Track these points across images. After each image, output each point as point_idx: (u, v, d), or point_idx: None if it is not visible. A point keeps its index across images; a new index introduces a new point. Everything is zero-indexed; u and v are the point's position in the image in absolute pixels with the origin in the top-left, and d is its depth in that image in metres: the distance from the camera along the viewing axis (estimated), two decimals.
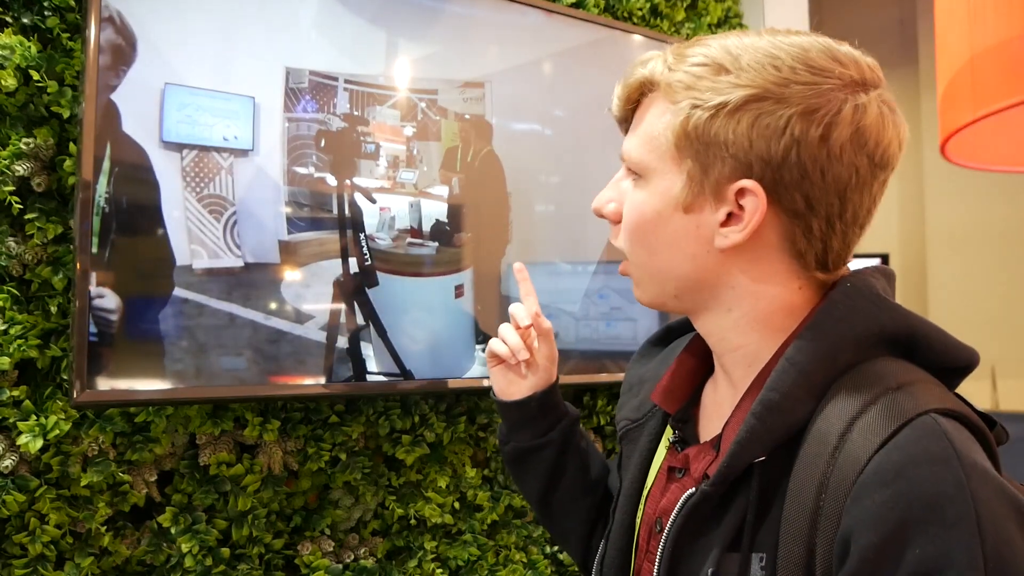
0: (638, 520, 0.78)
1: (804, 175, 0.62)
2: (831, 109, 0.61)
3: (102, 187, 1.03)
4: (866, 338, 0.64)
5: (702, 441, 0.73)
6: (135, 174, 1.06)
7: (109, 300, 1.03)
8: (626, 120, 0.73)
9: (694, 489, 0.67)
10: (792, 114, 0.61)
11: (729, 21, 2.01)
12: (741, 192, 0.63)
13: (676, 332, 0.89)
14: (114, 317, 1.03)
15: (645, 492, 0.78)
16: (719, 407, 0.73)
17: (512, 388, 0.93)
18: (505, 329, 0.93)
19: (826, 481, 0.58)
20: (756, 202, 0.63)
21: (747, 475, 0.63)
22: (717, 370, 0.75)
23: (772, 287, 0.67)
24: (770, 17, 2.04)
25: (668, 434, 0.78)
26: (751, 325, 0.68)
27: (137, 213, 1.06)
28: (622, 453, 0.84)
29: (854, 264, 0.70)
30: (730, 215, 0.65)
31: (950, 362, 0.66)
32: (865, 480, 0.55)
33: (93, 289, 1.01)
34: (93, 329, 1.01)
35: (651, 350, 0.91)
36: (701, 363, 0.79)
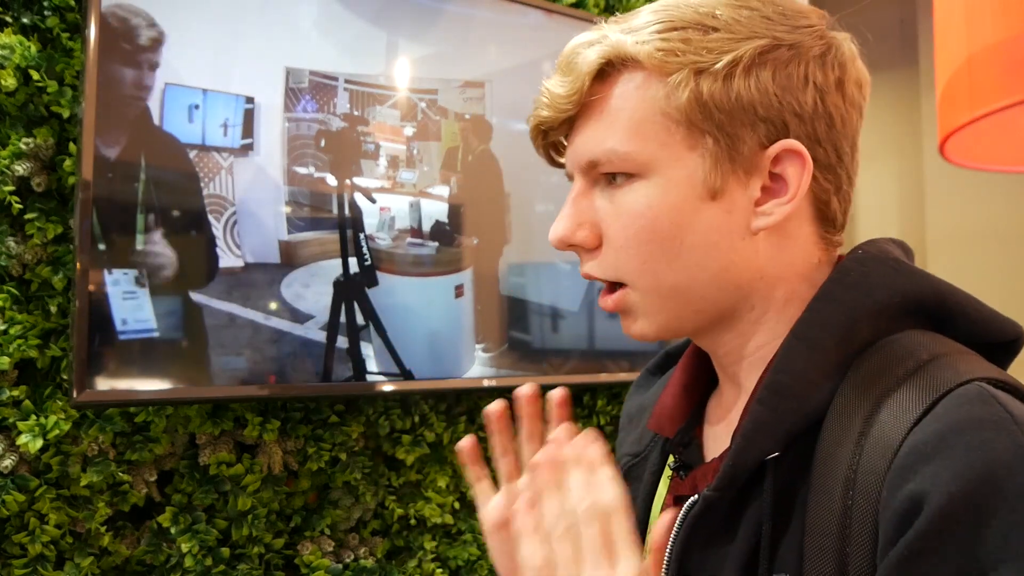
0: None
1: (831, 125, 0.56)
2: (836, 51, 0.57)
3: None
4: (887, 307, 0.55)
5: (708, 460, 0.62)
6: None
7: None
8: (562, 125, 0.60)
9: (696, 497, 0.57)
10: (809, 60, 0.56)
11: None
12: (778, 158, 0.55)
13: (676, 357, 0.76)
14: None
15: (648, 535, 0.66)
16: (729, 421, 0.62)
17: None
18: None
19: (853, 475, 0.49)
20: (801, 163, 0.55)
21: (760, 477, 0.54)
22: (723, 382, 0.65)
23: (798, 266, 0.58)
24: None
25: (671, 463, 0.67)
26: (775, 317, 0.58)
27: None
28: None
29: None
30: (763, 188, 0.56)
31: (992, 335, 0.56)
32: (900, 463, 0.46)
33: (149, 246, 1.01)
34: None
35: (649, 379, 0.79)
36: (699, 379, 0.69)
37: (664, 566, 0.58)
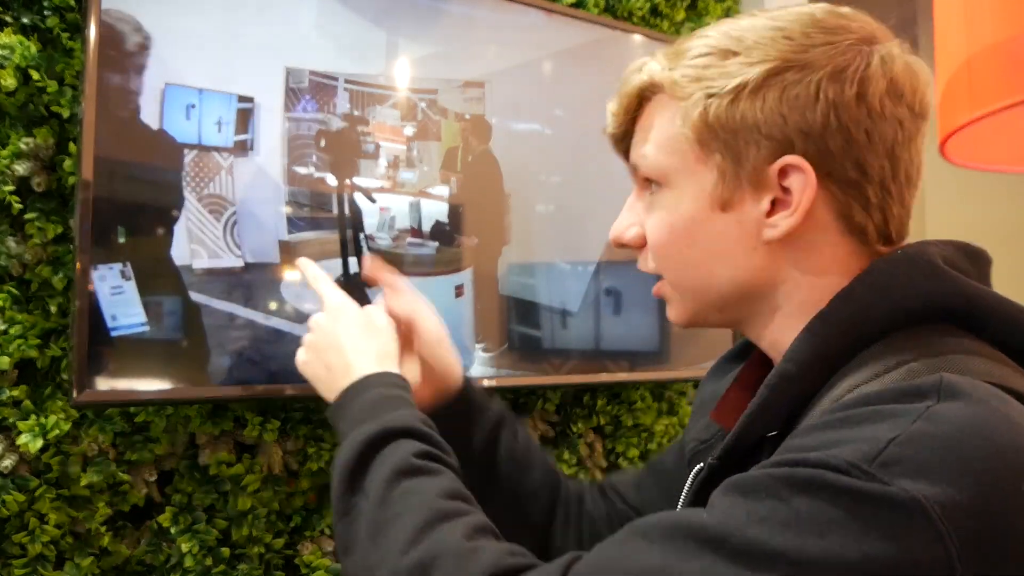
0: None
1: (849, 140, 0.58)
2: (860, 65, 0.58)
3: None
4: (903, 308, 0.56)
5: None
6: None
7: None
8: (625, 137, 0.69)
9: (702, 465, 0.63)
10: (820, 78, 0.57)
11: None
12: (784, 172, 0.59)
13: (753, 345, 0.80)
14: None
15: None
16: None
17: None
18: None
19: None
20: (804, 178, 0.58)
21: (761, 451, 0.59)
22: None
23: (830, 275, 0.61)
24: None
25: None
26: (807, 314, 0.60)
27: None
28: None
29: None
30: (774, 202, 0.60)
31: None
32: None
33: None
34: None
35: (725, 365, 0.82)
36: (761, 373, 0.70)
37: None
